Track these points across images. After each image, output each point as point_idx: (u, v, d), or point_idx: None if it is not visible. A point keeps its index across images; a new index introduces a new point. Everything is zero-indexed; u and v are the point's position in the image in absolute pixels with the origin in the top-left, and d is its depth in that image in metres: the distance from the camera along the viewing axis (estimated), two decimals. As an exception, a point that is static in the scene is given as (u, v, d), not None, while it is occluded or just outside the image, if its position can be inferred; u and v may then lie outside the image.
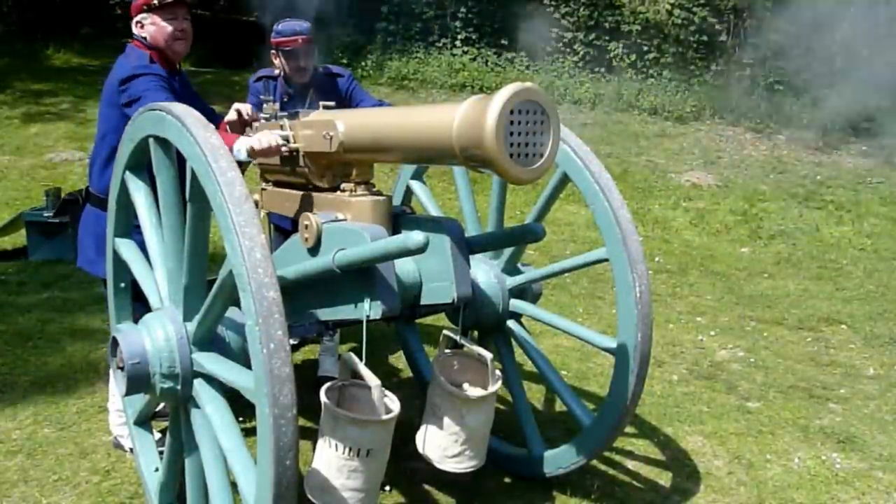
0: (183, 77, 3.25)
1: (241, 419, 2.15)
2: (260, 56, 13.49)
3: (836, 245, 8.04)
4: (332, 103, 2.86)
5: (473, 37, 13.38)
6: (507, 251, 3.08)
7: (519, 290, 3.08)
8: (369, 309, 2.36)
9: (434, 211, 3.34)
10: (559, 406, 3.88)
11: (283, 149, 2.71)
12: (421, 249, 2.09)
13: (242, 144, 2.72)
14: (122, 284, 2.82)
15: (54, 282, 5.50)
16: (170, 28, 3.05)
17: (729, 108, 12.14)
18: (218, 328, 2.29)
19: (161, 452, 2.71)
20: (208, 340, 2.23)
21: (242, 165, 2.96)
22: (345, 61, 12.36)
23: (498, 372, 2.78)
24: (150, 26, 3.06)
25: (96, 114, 3.23)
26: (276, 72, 3.85)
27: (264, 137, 2.68)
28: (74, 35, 14.78)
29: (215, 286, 2.05)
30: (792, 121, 12.02)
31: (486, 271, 3.03)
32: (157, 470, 2.72)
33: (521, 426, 3.15)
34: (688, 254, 7.42)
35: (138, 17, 3.09)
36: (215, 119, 3.20)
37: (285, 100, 3.72)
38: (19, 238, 6.25)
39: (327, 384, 2.40)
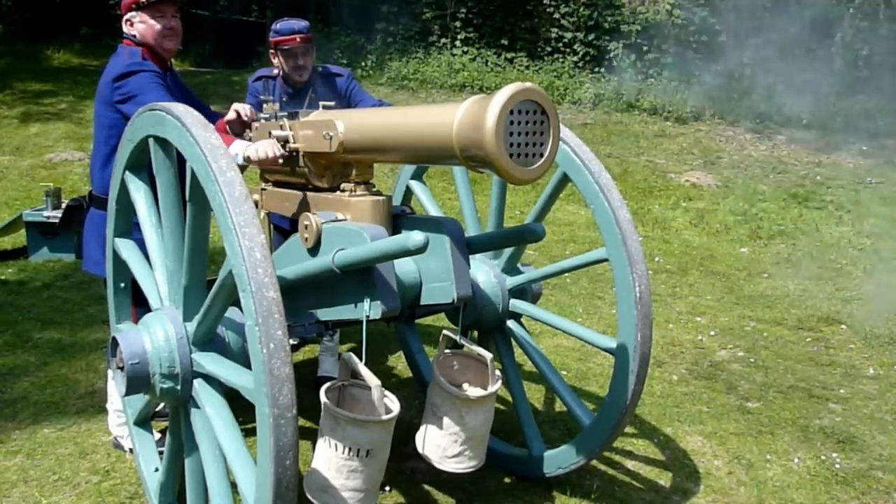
0: (174, 74, 3.26)
1: (241, 419, 2.15)
2: (261, 56, 13.53)
3: (836, 245, 8.04)
4: (332, 103, 2.86)
5: (473, 37, 13.39)
6: (507, 251, 3.08)
7: (519, 290, 3.08)
8: (369, 309, 2.36)
9: (434, 211, 3.34)
10: (559, 406, 3.88)
11: (280, 160, 2.71)
12: (421, 249, 2.09)
13: (239, 149, 2.73)
14: (122, 284, 2.82)
15: (54, 282, 5.50)
16: (158, 26, 3.06)
17: (729, 108, 12.15)
18: (218, 328, 2.29)
19: (161, 452, 2.71)
20: (208, 340, 2.23)
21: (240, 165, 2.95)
22: (345, 61, 12.36)
23: (498, 372, 2.78)
24: (140, 24, 3.07)
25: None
26: (276, 71, 3.85)
27: (262, 147, 2.68)
28: (74, 35, 14.80)
29: (215, 286, 2.05)
30: (792, 121, 12.03)
31: (486, 271, 3.03)
32: (156, 470, 2.72)
33: (521, 426, 3.15)
34: (688, 254, 7.42)
35: (128, 16, 3.10)
36: (211, 117, 3.20)
37: (284, 99, 3.72)
38: (19, 238, 6.26)
39: (327, 384, 2.40)
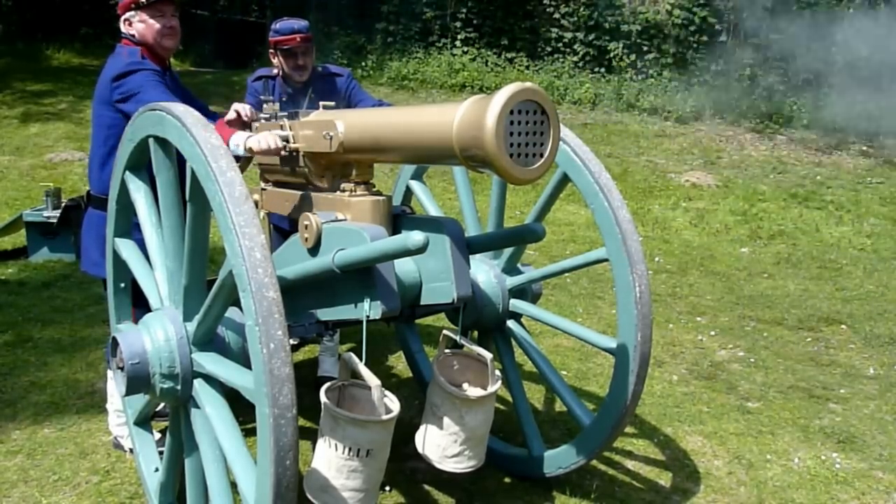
0: (172, 73, 3.26)
1: (241, 419, 2.15)
2: (261, 56, 13.53)
3: (836, 245, 8.05)
4: (332, 103, 2.86)
5: (473, 37, 13.39)
6: (507, 251, 3.08)
7: (519, 290, 3.08)
8: (369, 309, 2.36)
9: (434, 211, 3.34)
10: (559, 406, 3.88)
11: (283, 151, 2.70)
12: (421, 249, 2.09)
13: (241, 140, 2.72)
14: (122, 284, 2.82)
15: (54, 282, 5.50)
16: (158, 25, 3.06)
17: (729, 108, 12.15)
18: (218, 328, 2.29)
19: (161, 452, 2.71)
20: (208, 340, 2.23)
21: (241, 163, 2.95)
22: (345, 61, 12.37)
23: (498, 372, 2.78)
24: (139, 24, 3.07)
25: (92, 115, 3.24)
26: (275, 71, 3.85)
27: (264, 139, 2.68)
28: (74, 35, 14.82)
29: (215, 286, 2.05)
30: (792, 121, 12.03)
31: (486, 271, 3.03)
32: (157, 470, 2.72)
33: (521, 426, 3.15)
34: (688, 254, 7.42)
35: (126, 15, 3.09)
36: (210, 117, 3.20)
37: (284, 99, 3.72)
38: (19, 238, 6.26)
39: (327, 384, 2.40)
